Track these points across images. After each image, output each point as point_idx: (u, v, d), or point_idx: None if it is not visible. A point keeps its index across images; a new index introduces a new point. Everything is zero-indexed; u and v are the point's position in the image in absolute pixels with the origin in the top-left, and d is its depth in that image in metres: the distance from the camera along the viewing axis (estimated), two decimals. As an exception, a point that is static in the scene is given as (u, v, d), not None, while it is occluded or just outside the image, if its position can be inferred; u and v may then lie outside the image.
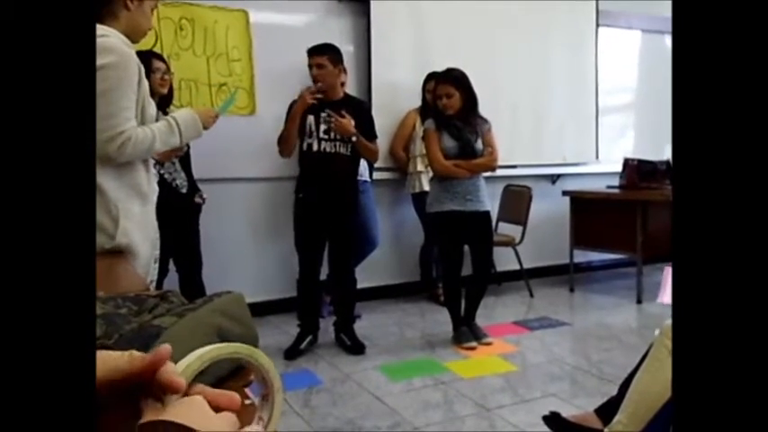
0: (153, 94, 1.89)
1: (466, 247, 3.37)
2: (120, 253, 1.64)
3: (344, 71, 3.48)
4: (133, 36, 1.71)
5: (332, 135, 3.16)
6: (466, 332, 3.36)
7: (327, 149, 3.17)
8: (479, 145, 3.24)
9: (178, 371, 0.39)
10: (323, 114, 3.14)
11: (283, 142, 3.23)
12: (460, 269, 3.35)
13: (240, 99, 3.76)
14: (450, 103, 3.18)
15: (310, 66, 3.16)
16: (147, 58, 2.62)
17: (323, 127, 3.15)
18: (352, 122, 3.12)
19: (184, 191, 3.08)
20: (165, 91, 2.95)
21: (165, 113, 2.78)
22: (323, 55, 3.14)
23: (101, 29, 1.58)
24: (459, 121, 3.22)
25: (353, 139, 3.12)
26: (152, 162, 1.86)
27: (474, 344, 3.29)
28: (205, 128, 1.89)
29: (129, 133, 1.63)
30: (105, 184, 1.65)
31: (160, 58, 3.01)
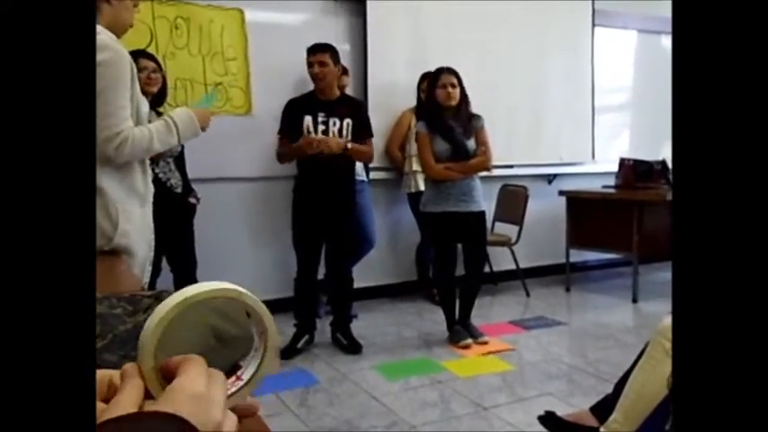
0: (143, 93, 1.87)
1: (460, 247, 3.37)
2: (118, 254, 1.63)
3: (346, 72, 3.47)
4: (116, 31, 1.67)
5: (330, 134, 3.15)
6: (461, 331, 3.36)
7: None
8: (472, 144, 3.22)
9: (153, 323, 0.42)
10: (320, 114, 3.14)
11: (284, 159, 3.27)
12: (454, 268, 3.35)
13: (236, 98, 3.75)
14: (455, 93, 3.16)
15: (311, 63, 3.15)
16: (133, 57, 2.59)
17: (321, 127, 3.15)
18: (345, 126, 3.15)
19: (179, 191, 3.06)
20: (155, 90, 2.92)
21: (158, 113, 2.75)
22: (325, 53, 3.14)
23: None
24: (453, 119, 3.20)
25: (348, 146, 3.14)
26: (148, 162, 1.84)
27: (469, 341, 3.29)
28: (203, 129, 1.87)
29: (127, 133, 1.61)
30: (104, 184, 1.63)
31: (147, 56, 2.96)
